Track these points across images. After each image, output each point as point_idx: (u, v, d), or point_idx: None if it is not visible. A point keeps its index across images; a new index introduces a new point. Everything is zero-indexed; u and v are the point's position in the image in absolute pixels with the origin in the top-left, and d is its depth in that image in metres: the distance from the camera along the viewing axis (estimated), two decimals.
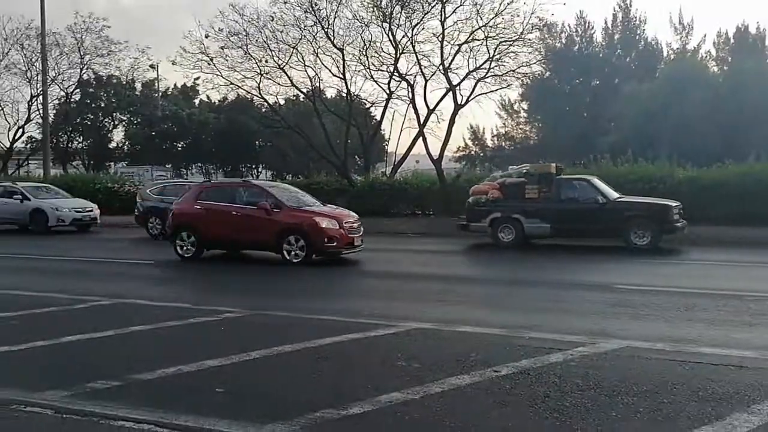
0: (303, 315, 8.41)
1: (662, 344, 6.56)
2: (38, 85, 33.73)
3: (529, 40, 26.36)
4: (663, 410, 4.72)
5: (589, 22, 42.95)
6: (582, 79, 41.58)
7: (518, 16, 25.23)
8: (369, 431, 4.55)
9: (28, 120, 36.26)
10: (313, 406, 4.81)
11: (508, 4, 24.94)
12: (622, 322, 7.81)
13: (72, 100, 40.93)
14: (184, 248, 14.05)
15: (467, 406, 5.00)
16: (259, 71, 27.71)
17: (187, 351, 6.60)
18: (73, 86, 38.88)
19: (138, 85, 44.24)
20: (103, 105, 45.10)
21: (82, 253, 17.01)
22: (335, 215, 13.78)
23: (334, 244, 13.18)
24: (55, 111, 38.30)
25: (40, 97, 33.48)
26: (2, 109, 36.47)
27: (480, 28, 25.44)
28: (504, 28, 25.39)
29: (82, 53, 36.05)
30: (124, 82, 42.55)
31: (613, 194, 15.81)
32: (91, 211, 23.22)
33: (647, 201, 15.80)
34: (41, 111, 33.53)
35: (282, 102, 33.09)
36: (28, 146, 38.60)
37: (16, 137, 36.81)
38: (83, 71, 37.51)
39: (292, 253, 13.06)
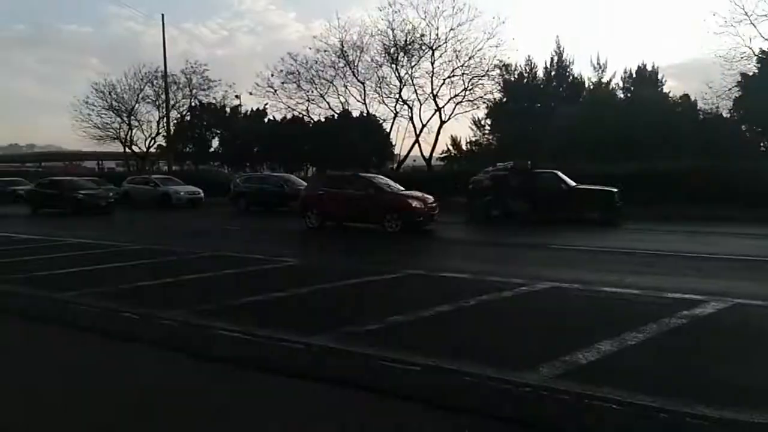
0: (337, 266, 8.55)
1: (577, 285, 6.54)
2: (163, 110, 33.92)
3: (492, 75, 26.35)
4: (576, 329, 4.82)
5: (534, 63, 42.02)
6: (528, 103, 40.83)
7: (485, 58, 25.23)
8: (382, 338, 4.56)
9: (157, 133, 36.56)
10: (342, 324, 4.91)
11: (478, 50, 24.88)
12: (552, 270, 7.75)
13: (185, 120, 41.09)
14: (311, 221, 13.58)
15: (446, 324, 5.12)
16: (307, 99, 27.97)
17: (260, 287, 6.66)
18: (186, 111, 39.02)
19: (227, 109, 44.21)
20: (204, 123, 45.13)
21: (196, 222, 17.04)
22: (422, 198, 12.93)
23: (421, 219, 12.53)
24: (174, 127, 38.38)
25: (165, 118, 33.65)
26: (141, 126, 36.76)
27: (458, 67, 25.48)
28: (475, 67, 25.45)
29: (191, 88, 36.06)
30: (218, 107, 42.53)
31: (572, 183, 15.26)
32: (199, 193, 23.45)
33: (597, 188, 15.07)
34: (165, 127, 33.72)
35: (323, 119, 33.00)
36: (157, 151, 38.79)
37: (149, 145, 37.19)
38: (192, 100, 37.61)
39: (391, 225, 12.36)
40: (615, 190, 14.74)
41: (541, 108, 39.74)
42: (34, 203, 21.02)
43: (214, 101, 39.99)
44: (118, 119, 35.85)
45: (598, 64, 39.79)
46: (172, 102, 34.46)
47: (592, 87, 39.31)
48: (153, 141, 37.14)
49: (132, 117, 35.87)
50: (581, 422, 3.05)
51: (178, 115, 38.50)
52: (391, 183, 14.25)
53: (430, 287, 6.89)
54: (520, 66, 41.19)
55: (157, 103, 35.23)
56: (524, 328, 4.99)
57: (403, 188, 13.94)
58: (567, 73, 41.33)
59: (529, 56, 42.52)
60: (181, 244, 10.89)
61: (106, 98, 35.21)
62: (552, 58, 41.44)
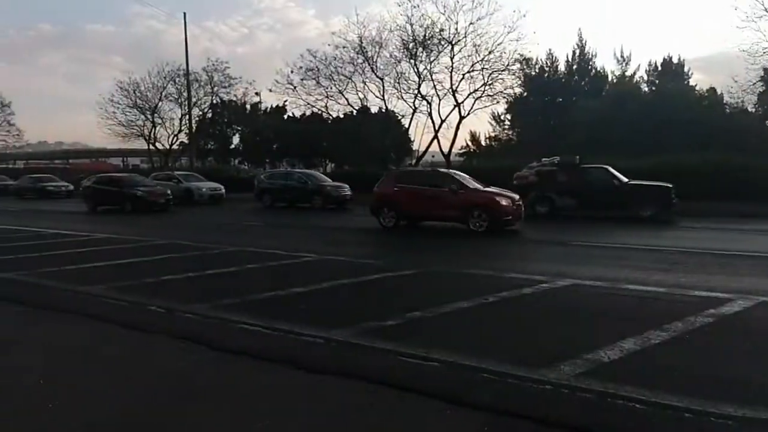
0: (356, 260, 8.56)
1: (600, 282, 6.44)
2: (185, 107, 34.33)
3: (513, 70, 25.85)
4: (598, 327, 4.73)
5: (555, 56, 41.36)
6: (549, 97, 40.18)
7: (505, 53, 24.73)
8: (401, 334, 4.58)
9: (180, 131, 36.97)
10: (362, 319, 4.94)
11: (498, 44, 24.47)
12: (573, 267, 7.63)
13: (206, 117, 41.70)
14: (386, 220, 12.69)
15: (465, 320, 5.09)
16: (326, 95, 27.90)
17: (281, 281, 6.72)
18: (207, 108, 39.55)
19: (248, 107, 44.69)
20: (225, 120, 45.74)
21: (217, 218, 17.04)
22: (509, 195, 11.95)
23: (510, 218, 11.58)
24: (196, 124, 39.00)
25: (187, 115, 34.16)
26: (164, 123, 37.40)
27: (478, 62, 24.99)
28: (495, 61, 24.92)
29: (212, 85, 36.39)
30: (239, 105, 43.04)
31: (624, 178, 14.40)
32: (221, 189, 23.50)
33: (653, 184, 14.13)
34: (188, 125, 34.27)
35: (341, 115, 33.09)
36: (180, 147, 39.36)
37: (172, 142, 37.81)
38: (213, 98, 38.02)
39: (477, 224, 11.43)
40: (671, 186, 13.89)
41: (562, 102, 39.11)
42: (93, 200, 20.40)
43: (234, 98, 40.45)
44: (142, 117, 36.55)
45: (622, 56, 38.92)
46: (194, 99, 34.91)
47: (615, 80, 38.47)
48: (176, 138, 37.79)
49: (155, 115, 36.51)
50: (603, 421, 3.01)
51: (200, 113, 39.10)
52: (471, 179, 12.96)
53: (448, 284, 6.87)
54: (540, 60, 40.59)
55: (179, 100, 35.80)
56: (544, 325, 4.93)
57: (481, 185, 12.68)
58: (589, 67, 40.54)
59: (550, 50, 41.76)
60: (205, 240, 11.08)
61: (131, 96, 35.93)
62: (574, 52, 40.71)
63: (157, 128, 37.01)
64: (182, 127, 36.54)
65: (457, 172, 13.85)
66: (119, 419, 3.16)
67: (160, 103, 36.18)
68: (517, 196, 12.18)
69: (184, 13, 32.84)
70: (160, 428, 3.06)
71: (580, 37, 43.82)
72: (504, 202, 11.61)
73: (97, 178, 22.50)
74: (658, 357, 3.99)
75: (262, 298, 5.91)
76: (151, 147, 37.37)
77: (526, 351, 4.16)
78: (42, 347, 4.55)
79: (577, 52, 40.58)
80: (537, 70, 40.25)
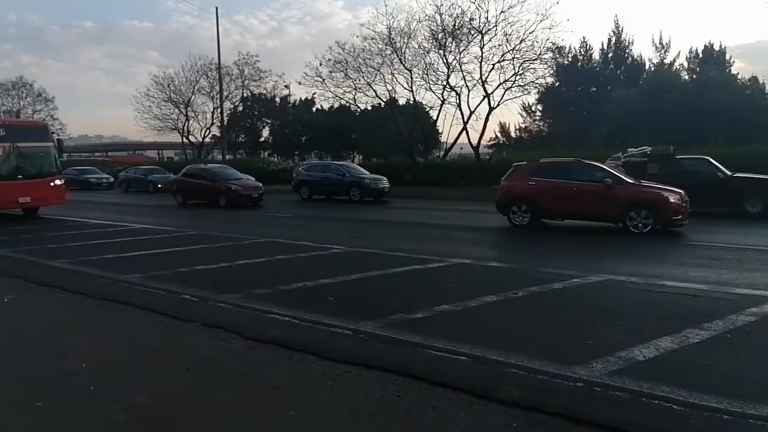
0: (387, 252, 8.58)
1: (636, 278, 6.23)
2: (217, 101, 35.01)
3: (545, 59, 25.16)
4: (634, 324, 4.57)
5: (589, 44, 40.14)
6: (583, 87, 39.04)
7: (537, 42, 24.11)
8: (428, 327, 4.56)
9: (212, 124, 37.82)
10: (389, 312, 4.94)
11: (529, 33, 23.89)
12: (607, 262, 7.41)
13: (237, 110, 42.46)
14: (518, 217, 11.40)
15: (493, 314, 5.03)
16: (354, 87, 27.89)
17: (310, 273, 6.78)
18: (238, 101, 40.27)
19: (277, 99, 45.22)
20: (256, 113, 46.47)
21: (258, 210, 17.02)
22: (678, 191, 10.23)
23: (680, 217, 9.97)
24: (227, 118, 39.75)
25: (219, 108, 34.83)
26: (196, 117, 38.29)
27: (509, 51, 24.45)
28: (526, 51, 24.32)
29: (243, 79, 37.05)
30: (269, 98, 43.62)
31: (727, 171, 13.00)
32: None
33: (762, 177, 12.62)
34: (220, 118, 34.98)
35: (369, 107, 33.08)
36: (212, 140, 40.19)
37: (204, 135, 38.72)
38: (243, 91, 38.69)
39: (638, 224, 9.92)
40: None
41: (596, 92, 37.97)
42: (185, 195, 19.12)
43: (264, 92, 41.04)
44: (176, 110, 37.51)
45: (661, 43, 37.46)
46: (225, 93, 35.55)
47: (653, 68, 37.06)
48: (208, 131, 38.67)
49: (188, 108, 37.41)
50: (637, 422, 2.93)
51: (231, 106, 39.83)
52: (617, 172, 11.35)
53: (477, 277, 6.80)
54: (574, 48, 39.48)
55: (211, 94, 36.51)
56: (576, 321, 4.81)
57: (631, 179, 10.96)
58: (626, 55, 39.14)
59: (584, 38, 40.69)
60: (237, 231, 11.30)
61: (165, 90, 36.90)
62: (609, 39, 39.42)
63: (190, 121, 37.99)
64: (214, 120, 37.38)
65: (597, 163, 11.83)
66: (154, 403, 3.27)
67: (193, 97, 37.08)
68: (682, 192, 10.34)
69: (216, 8, 33.30)
70: (192, 413, 3.15)
71: (617, 23, 42.52)
72: (673, 200, 10.00)
73: (187, 169, 20.84)
74: (697, 356, 3.85)
75: (291, 288, 5.99)
76: (185, 140, 38.34)
77: (556, 347, 4.07)
78: (84, 333, 4.75)
79: (613, 39, 39.25)
80: (570, 59, 39.13)
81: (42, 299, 5.89)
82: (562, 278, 6.24)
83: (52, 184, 14.34)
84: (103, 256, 8.34)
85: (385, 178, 20.09)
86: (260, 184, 19.54)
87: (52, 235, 11.14)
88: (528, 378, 3.49)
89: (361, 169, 21.47)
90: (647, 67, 37.93)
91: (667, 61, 36.82)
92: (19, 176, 13.54)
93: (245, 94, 39.95)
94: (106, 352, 4.26)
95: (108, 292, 6.01)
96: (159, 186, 25.59)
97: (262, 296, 5.65)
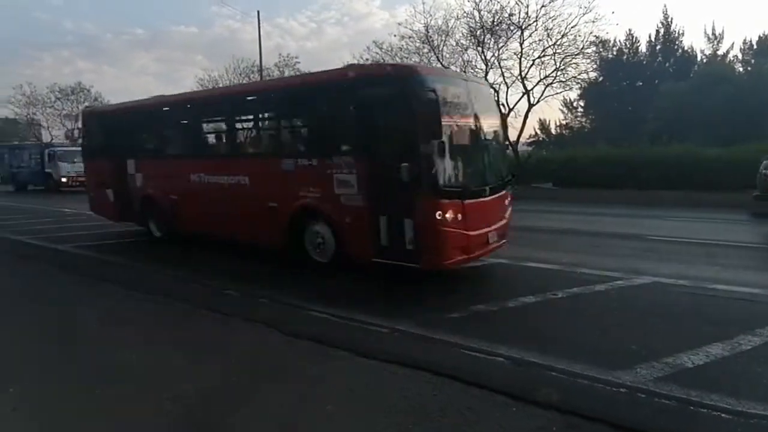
0: None
1: (684, 281, 5.92)
2: None
3: (588, 53, 24.34)
4: (682, 329, 4.37)
5: (636, 37, 38.53)
6: (628, 81, 37.51)
7: (580, 35, 23.39)
8: (464, 326, 4.53)
9: None
10: (425, 310, 4.95)
11: (572, 27, 23.22)
12: (652, 263, 7.00)
13: None
14: None
15: (531, 315, 4.92)
16: None
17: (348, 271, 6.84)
18: None
19: None
20: None
21: None
22: None
23: None
24: None
25: None
26: None
27: (550, 46, 23.80)
28: (568, 45, 23.59)
29: None
30: None
31: None
32: None
33: None
34: None
35: None
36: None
37: None
38: None
39: None
40: None
41: (643, 86, 36.41)
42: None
43: None
44: None
45: (713, 34, 35.50)
46: None
47: (705, 60, 35.18)
48: None
49: None
50: (684, 430, 2.80)
51: None
52: None
53: (514, 277, 6.66)
54: (619, 42, 37.98)
55: None
56: (618, 324, 4.64)
57: None
58: (675, 46, 37.36)
59: (629, 30, 38.82)
60: None
61: None
62: (657, 30, 37.70)
63: None
64: None
65: None
66: (200, 394, 3.41)
67: None
68: None
69: (258, 12, 34.23)
70: (235, 405, 3.26)
71: (665, 14, 40.49)
72: None
73: None
74: (749, 364, 3.65)
75: (329, 286, 6.07)
76: None
77: (598, 351, 3.95)
78: (136, 325, 5.00)
79: (662, 30, 37.52)
80: (615, 53, 37.71)
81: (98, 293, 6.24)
82: (604, 280, 6.03)
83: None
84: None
85: None
86: None
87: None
88: (568, 381, 3.41)
89: None
90: (699, 59, 36.04)
91: (720, 52, 34.87)
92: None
93: None
94: (155, 343, 4.47)
95: (157, 286, 6.29)
96: None
97: (300, 293, 5.75)
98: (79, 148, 26.76)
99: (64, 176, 25.62)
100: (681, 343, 3.99)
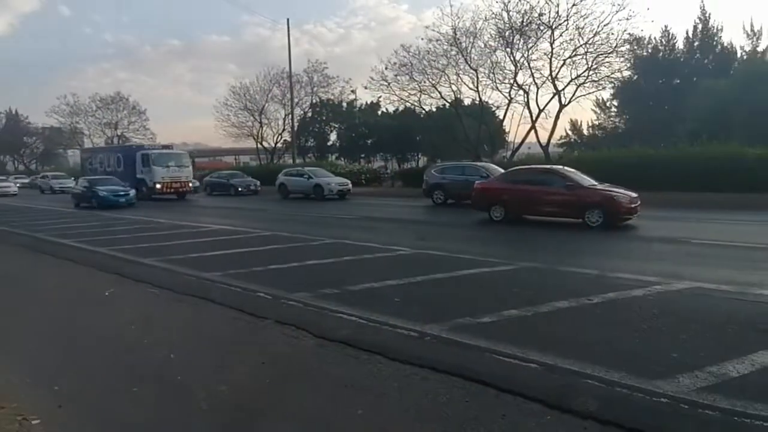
0: (453, 254, 8.48)
1: (727, 285, 5.66)
2: (288, 107, 36.49)
3: (621, 51, 23.71)
4: (726, 337, 4.18)
5: (672, 33, 37.21)
6: (665, 79, 36.20)
7: (612, 33, 22.81)
8: (496, 332, 4.43)
9: (283, 130, 39.60)
10: (456, 315, 4.85)
11: (604, 25, 22.64)
12: (693, 268, 6.77)
13: (307, 116, 44.06)
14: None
15: (566, 321, 4.79)
16: (419, 89, 27.93)
17: (376, 274, 6.82)
18: (308, 107, 41.77)
19: (344, 104, 46.27)
20: (324, 118, 47.91)
21: (345, 212, 16.63)
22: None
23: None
24: (297, 123, 41.26)
25: (290, 115, 36.34)
26: (269, 123, 40.28)
27: (581, 45, 23.35)
28: (601, 44, 23.09)
29: (312, 86, 38.47)
30: (336, 103, 44.78)
31: None
32: (347, 185, 22.94)
33: None
34: (290, 123, 36.48)
35: (434, 109, 32.89)
36: (284, 145, 41.88)
37: (276, 141, 40.61)
38: (312, 97, 40.11)
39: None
40: None
41: (680, 84, 35.13)
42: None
43: (332, 97, 42.18)
44: (251, 118, 39.64)
45: (752, 30, 33.95)
46: (295, 100, 36.97)
47: (745, 57, 33.63)
48: (280, 137, 40.50)
49: (262, 115, 39.39)
50: None
51: (301, 112, 41.36)
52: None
53: (548, 281, 6.51)
54: (654, 39, 36.92)
55: (283, 101, 38.23)
56: (657, 331, 4.45)
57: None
58: (714, 43, 35.91)
59: (665, 26, 37.68)
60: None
61: (241, 99, 39.20)
62: (695, 27, 36.41)
63: (264, 128, 39.98)
64: (285, 126, 39.06)
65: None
66: (233, 394, 3.47)
67: (266, 105, 39.01)
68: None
69: (288, 20, 34.74)
70: (267, 406, 3.30)
71: (703, 9, 39.07)
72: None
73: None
74: None
75: (358, 289, 6.06)
76: (259, 145, 40.34)
77: (636, 359, 3.80)
78: (171, 325, 5.14)
79: (699, 27, 36.15)
80: (650, 50, 36.55)
81: (136, 293, 6.45)
82: (642, 284, 5.82)
83: None
84: (188, 255, 8.97)
85: None
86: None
87: (144, 235, 12.14)
88: (605, 390, 3.29)
89: (500, 168, 17.89)
90: (739, 55, 34.51)
91: (760, 49, 33.30)
92: None
93: (314, 101, 41.37)
94: (190, 344, 4.58)
95: (191, 288, 6.45)
96: (239, 189, 26.82)
97: (330, 296, 5.79)
98: (173, 151, 26.37)
99: (158, 182, 23.91)
100: (725, 351, 3.81)
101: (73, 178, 33.95)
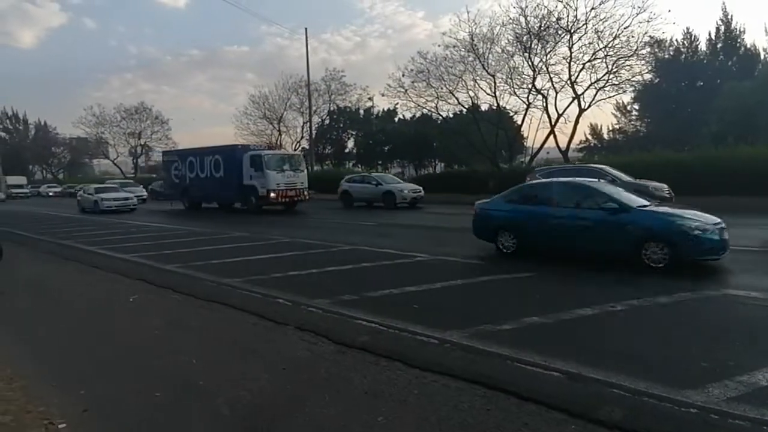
0: (458, 259, 8.40)
1: (757, 293, 5.49)
2: (306, 115, 36.93)
3: (642, 54, 23.29)
4: (756, 345, 4.07)
5: (694, 35, 36.50)
6: (687, 82, 35.46)
7: (633, 36, 22.44)
8: (517, 339, 4.39)
9: (302, 137, 40.16)
10: (477, 322, 4.82)
11: (624, 28, 22.32)
12: (720, 274, 6.58)
13: (324, 123, 44.52)
14: None
15: (589, 328, 4.70)
16: (436, 96, 27.89)
17: (395, 280, 6.79)
18: (325, 115, 42.26)
19: (361, 111, 46.57)
20: (341, 125, 48.24)
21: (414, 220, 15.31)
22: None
23: None
24: (315, 131, 41.66)
25: (308, 123, 36.73)
26: (288, 131, 40.83)
27: (601, 49, 23.01)
28: (621, 47, 22.72)
29: (329, 94, 38.90)
30: (353, 110, 45.12)
31: None
32: (421, 191, 20.09)
33: None
34: (308, 131, 36.86)
35: (451, 115, 32.84)
36: (302, 153, 42.30)
37: (295, 148, 40.97)
38: (330, 105, 40.56)
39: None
40: None
41: (703, 86, 34.37)
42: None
43: (349, 104, 42.58)
44: (270, 126, 40.22)
45: None
46: (313, 108, 37.39)
47: None
48: (298, 144, 40.95)
49: (281, 123, 39.93)
50: None
51: (319, 120, 41.81)
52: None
53: (570, 288, 6.40)
54: (676, 41, 36.27)
55: (301, 109, 38.74)
56: (686, 340, 4.33)
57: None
58: (737, 44, 35.09)
59: (687, 28, 36.95)
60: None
61: (260, 108, 39.85)
62: (717, 28, 35.68)
63: (282, 136, 40.46)
64: (303, 134, 39.52)
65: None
66: (254, 400, 3.49)
67: (284, 113, 39.52)
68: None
69: (306, 29, 35.19)
70: (288, 412, 3.30)
71: (725, 11, 38.23)
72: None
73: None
74: None
75: (377, 296, 6.05)
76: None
77: (663, 368, 3.70)
78: (193, 331, 5.21)
79: (722, 28, 35.39)
80: (671, 53, 35.90)
81: (159, 299, 6.56)
82: (669, 291, 5.67)
83: None
84: (209, 261, 9.08)
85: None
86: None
87: (166, 242, 12.35)
88: (631, 400, 3.21)
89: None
90: (762, 57, 33.64)
91: None
92: None
93: (331, 108, 41.79)
94: (211, 349, 4.63)
95: (213, 294, 6.53)
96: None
97: (349, 302, 5.79)
98: (288, 152, 22.76)
99: (273, 190, 19.02)
100: (756, 360, 3.68)
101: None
